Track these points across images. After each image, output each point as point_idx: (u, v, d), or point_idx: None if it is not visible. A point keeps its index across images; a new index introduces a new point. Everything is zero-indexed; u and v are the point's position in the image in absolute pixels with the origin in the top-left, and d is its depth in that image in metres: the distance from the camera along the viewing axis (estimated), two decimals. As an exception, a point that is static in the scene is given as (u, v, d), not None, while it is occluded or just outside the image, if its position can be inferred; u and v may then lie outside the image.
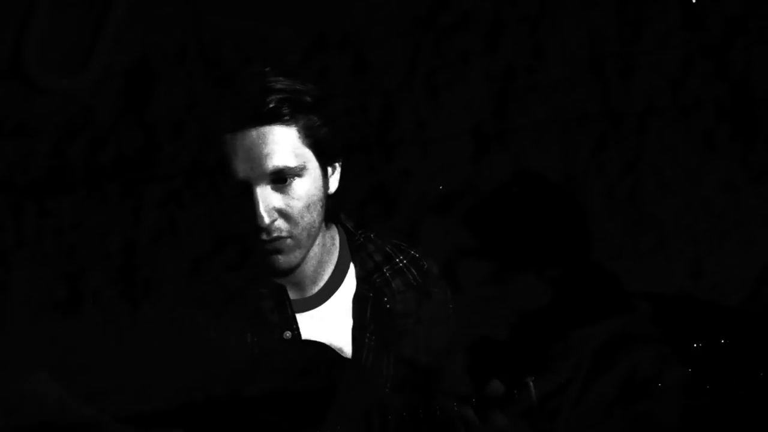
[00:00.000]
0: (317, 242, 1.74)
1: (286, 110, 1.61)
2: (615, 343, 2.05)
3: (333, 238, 1.81)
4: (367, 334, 1.77)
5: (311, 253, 1.73)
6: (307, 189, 1.66)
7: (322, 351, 1.70)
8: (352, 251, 1.82)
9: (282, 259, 1.65)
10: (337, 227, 1.82)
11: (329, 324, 1.76)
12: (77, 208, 2.51)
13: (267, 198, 1.61)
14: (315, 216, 1.68)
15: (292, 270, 1.69)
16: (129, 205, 2.50)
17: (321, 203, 1.70)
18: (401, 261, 1.84)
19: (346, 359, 1.73)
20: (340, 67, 2.48)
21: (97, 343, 1.91)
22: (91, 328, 2.33)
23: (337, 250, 1.80)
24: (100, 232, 2.49)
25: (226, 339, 1.72)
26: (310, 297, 1.76)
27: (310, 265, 1.74)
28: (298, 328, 1.72)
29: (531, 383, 1.72)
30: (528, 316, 2.43)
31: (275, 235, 1.62)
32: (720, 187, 2.49)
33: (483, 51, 2.51)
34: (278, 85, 1.62)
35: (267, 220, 1.60)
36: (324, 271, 1.77)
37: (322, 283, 1.76)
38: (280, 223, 1.63)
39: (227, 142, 1.60)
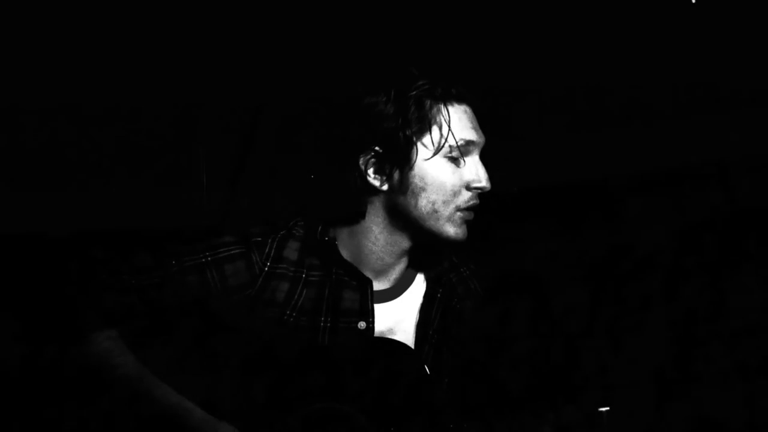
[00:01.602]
0: None
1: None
2: None
3: None
4: (430, 332, 1.80)
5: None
6: None
7: (400, 349, 1.72)
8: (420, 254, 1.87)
9: (467, 232, 1.74)
10: None
11: (399, 318, 1.80)
12: None
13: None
14: None
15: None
16: None
17: None
18: (465, 271, 1.90)
19: (418, 356, 1.74)
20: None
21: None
22: None
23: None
24: None
25: (298, 318, 1.73)
26: (387, 290, 1.80)
27: (406, 259, 1.81)
28: (373, 321, 1.76)
29: (605, 413, 1.69)
30: None
31: (478, 203, 1.74)
32: None
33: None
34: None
35: (490, 184, 1.74)
36: (405, 267, 1.82)
37: (397, 277, 1.81)
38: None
39: (460, 114, 1.74)
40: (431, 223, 1.74)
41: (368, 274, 1.78)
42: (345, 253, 1.79)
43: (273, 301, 1.73)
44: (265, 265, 1.75)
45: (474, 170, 1.74)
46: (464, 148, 1.74)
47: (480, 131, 1.76)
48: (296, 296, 1.75)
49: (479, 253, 2.51)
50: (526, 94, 2.63)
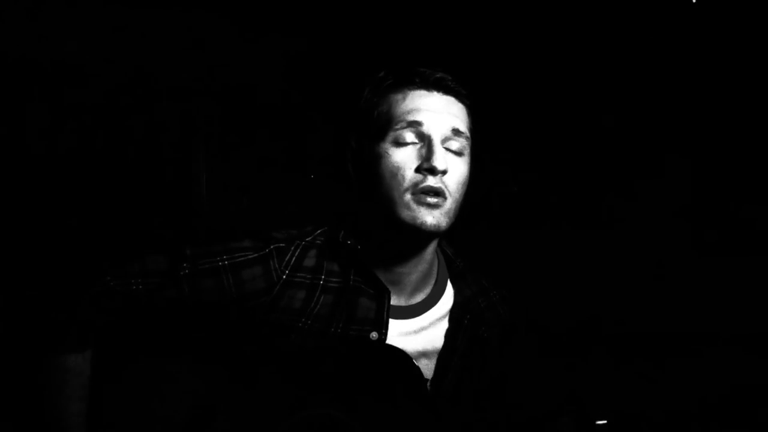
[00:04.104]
0: (431, 251, 1.76)
1: (464, 91, 1.76)
2: None
3: (437, 257, 1.84)
4: (455, 359, 1.74)
5: (425, 257, 1.76)
6: (464, 169, 1.72)
7: (405, 362, 1.64)
8: (451, 275, 1.84)
9: (432, 218, 1.66)
10: (436, 251, 1.83)
11: (419, 340, 1.75)
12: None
13: (442, 150, 1.68)
14: (460, 201, 1.73)
15: (435, 233, 1.69)
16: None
17: (461, 198, 1.74)
18: (495, 296, 1.87)
19: (424, 377, 1.66)
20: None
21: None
22: None
23: (437, 269, 1.82)
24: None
25: (312, 325, 1.68)
26: (406, 307, 1.75)
27: (420, 270, 1.76)
28: (386, 333, 1.71)
29: (602, 426, 1.73)
30: None
31: (438, 186, 1.66)
32: None
33: None
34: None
35: (442, 164, 1.67)
36: (426, 284, 1.78)
37: (420, 297, 1.77)
38: (445, 178, 1.68)
39: (416, 98, 1.70)
40: (388, 212, 1.68)
41: (390, 285, 1.74)
42: (366, 260, 1.74)
43: (289, 309, 1.68)
44: (284, 273, 1.70)
45: (425, 152, 1.67)
46: (420, 133, 1.69)
47: (443, 119, 1.70)
48: (313, 303, 1.70)
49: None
50: None
